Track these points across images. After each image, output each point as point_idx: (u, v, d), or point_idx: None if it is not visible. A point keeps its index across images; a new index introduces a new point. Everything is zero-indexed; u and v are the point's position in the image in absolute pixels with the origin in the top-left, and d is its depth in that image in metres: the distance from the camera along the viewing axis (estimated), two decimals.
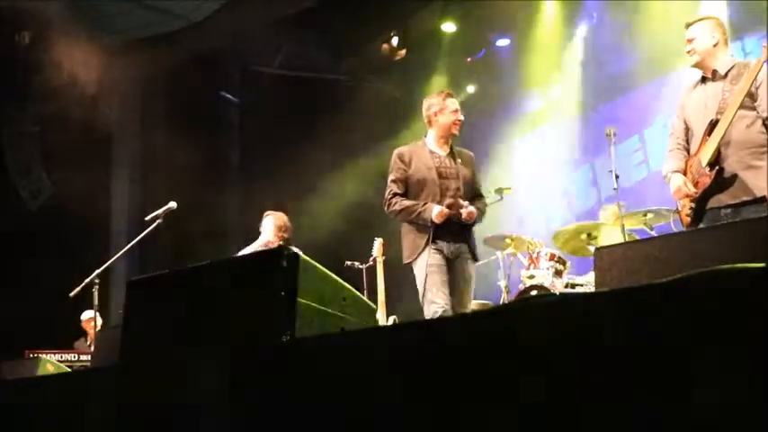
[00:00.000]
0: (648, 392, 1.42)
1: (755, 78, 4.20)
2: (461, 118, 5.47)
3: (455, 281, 5.28)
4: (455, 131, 5.47)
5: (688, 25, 4.58)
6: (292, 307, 2.18)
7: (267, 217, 6.66)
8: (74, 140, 9.32)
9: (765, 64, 4.21)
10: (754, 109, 4.27)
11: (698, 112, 4.48)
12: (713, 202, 4.30)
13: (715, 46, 4.46)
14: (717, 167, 4.25)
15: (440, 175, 5.36)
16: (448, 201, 5.27)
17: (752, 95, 4.26)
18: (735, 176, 4.22)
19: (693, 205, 4.39)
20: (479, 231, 6.36)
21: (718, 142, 4.23)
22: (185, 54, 10.25)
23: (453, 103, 5.46)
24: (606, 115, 9.61)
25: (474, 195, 5.47)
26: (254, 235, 6.74)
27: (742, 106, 4.22)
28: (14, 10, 8.86)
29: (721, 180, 4.25)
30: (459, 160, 5.46)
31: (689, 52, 4.52)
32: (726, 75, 4.40)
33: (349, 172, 11.04)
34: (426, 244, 5.21)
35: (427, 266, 5.12)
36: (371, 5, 10.03)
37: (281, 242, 6.55)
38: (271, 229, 6.56)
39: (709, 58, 4.48)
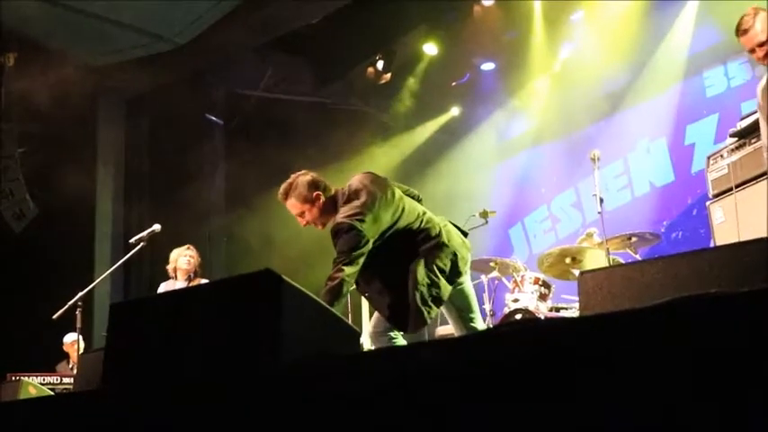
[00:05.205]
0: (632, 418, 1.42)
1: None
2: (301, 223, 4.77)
3: None
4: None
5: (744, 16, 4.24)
6: (276, 331, 2.17)
7: None
8: (58, 162, 9.28)
9: None
10: None
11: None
12: None
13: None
14: None
15: None
16: None
17: None
18: None
19: None
20: None
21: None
22: (171, 76, 10.25)
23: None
24: (590, 138, 9.67)
25: None
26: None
27: None
28: None
29: None
30: None
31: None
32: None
33: None
34: None
35: None
36: (356, 29, 10.08)
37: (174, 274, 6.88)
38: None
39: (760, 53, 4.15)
